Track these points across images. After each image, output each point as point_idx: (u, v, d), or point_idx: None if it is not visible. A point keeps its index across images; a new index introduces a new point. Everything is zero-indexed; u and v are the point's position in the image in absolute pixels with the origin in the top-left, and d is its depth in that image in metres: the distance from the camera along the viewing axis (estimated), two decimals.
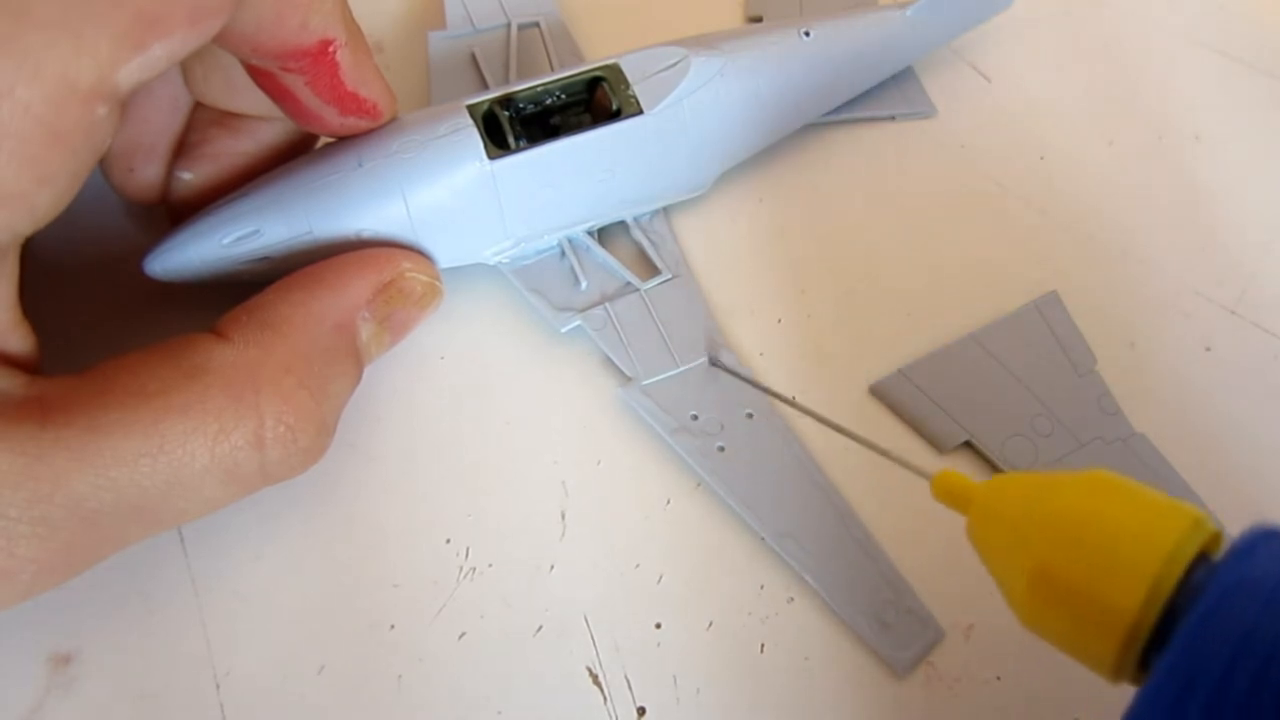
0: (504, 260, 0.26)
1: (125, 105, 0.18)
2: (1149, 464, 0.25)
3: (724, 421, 0.24)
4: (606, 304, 0.26)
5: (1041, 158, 0.31)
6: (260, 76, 0.23)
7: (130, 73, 0.18)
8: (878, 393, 0.26)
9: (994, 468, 0.25)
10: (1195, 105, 0.32)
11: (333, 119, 0.24)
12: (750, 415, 0.25)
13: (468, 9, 0.32)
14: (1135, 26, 0.34)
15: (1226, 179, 0.31)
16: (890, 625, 0.22)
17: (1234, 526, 0.24)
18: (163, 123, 0.24)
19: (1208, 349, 0.27)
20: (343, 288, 0.22)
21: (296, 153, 0.26)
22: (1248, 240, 0.29)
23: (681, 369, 0.25)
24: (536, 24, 0.32)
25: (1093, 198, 0.30)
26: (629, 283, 0.26)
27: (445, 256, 0.25)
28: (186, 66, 0.24)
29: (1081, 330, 0.27)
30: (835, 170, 0.30)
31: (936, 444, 0.25)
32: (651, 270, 0.27)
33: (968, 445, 0.25)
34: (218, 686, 0.21)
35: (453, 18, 0.31)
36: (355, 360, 0.22)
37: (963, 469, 0.25)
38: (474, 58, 0.31)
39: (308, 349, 0.21)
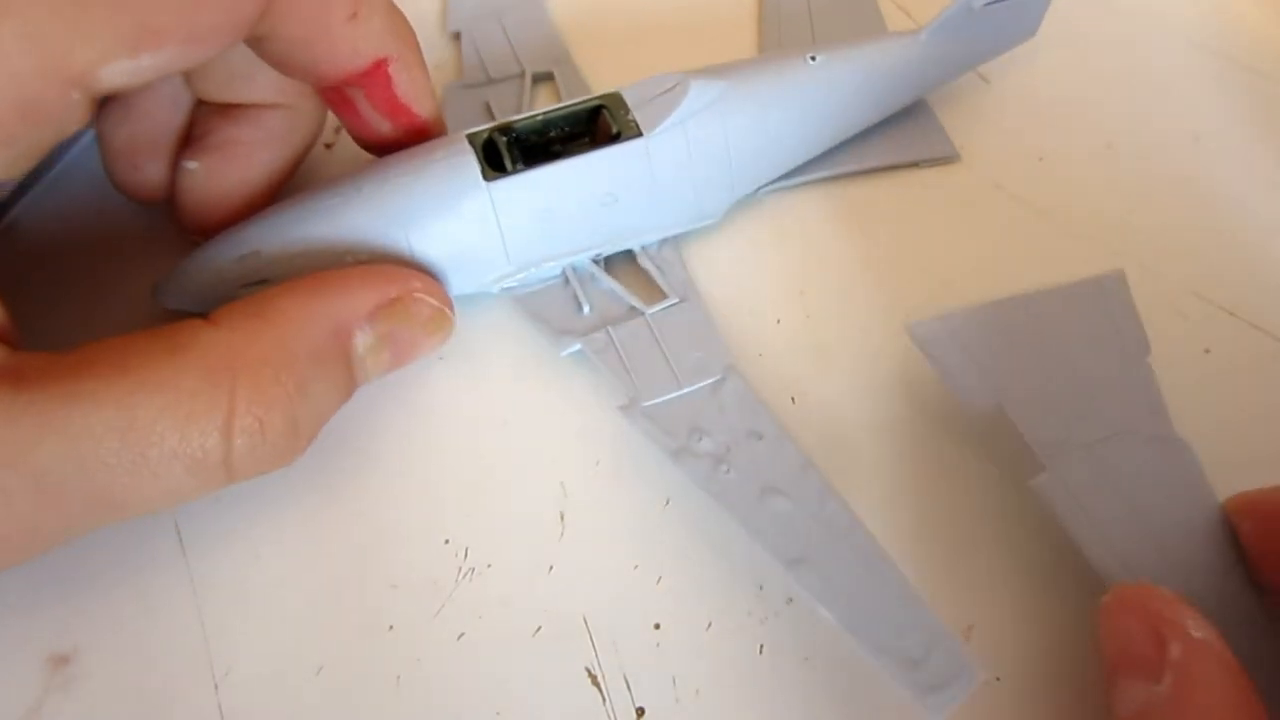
0: (506, 288, 0.26)
1: (96, 103, 0.19)
2: (1182, 472, 0.23)
3: (730, 444, 0.23)
4: (609, 327, 0.25)
5: (1041, 158, 0.31)
6: (326, 93, 0.24)
7: (115, 73, 0.18)
8: (916, 335, 0.24)
9: (1019, 438, 0.23)
10: (1195, 105, 0.32)
11: (387, 133, 0.25)
12: (760, 436, 0.24)
13: (482, 59, 0.32)
14: (1134, 27, 0.34)
15: (1226, 179, 0.31)
16: (919, 663, 0.20)
17: None
18: (165, 119, 0.25)
19: (1207, 350, 0.27)
20: (346, 294, 0.22)
21: (299, 138, 0.26)
22: (1248, 241, 0.29)
23: (685, 390, 0.24)
24: (550, 74, 0.31)
25: (1093, 198, 0.30)
26: (633, 307, 0.26)
27: (447, 284, 0.25)
28: None
29: None
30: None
31: (965, 403, 0.24)
32: (657, 295, 0.26)
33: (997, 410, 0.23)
34: (216, 687, 0.21)
35: (468, 68, 0.31)
36: (346, 371, 0.22)
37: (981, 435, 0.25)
38: (488, 106, 0.30)
39: (295, 345, 0.21)
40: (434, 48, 0.32)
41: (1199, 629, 0.18)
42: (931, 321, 0.24)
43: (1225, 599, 0.21)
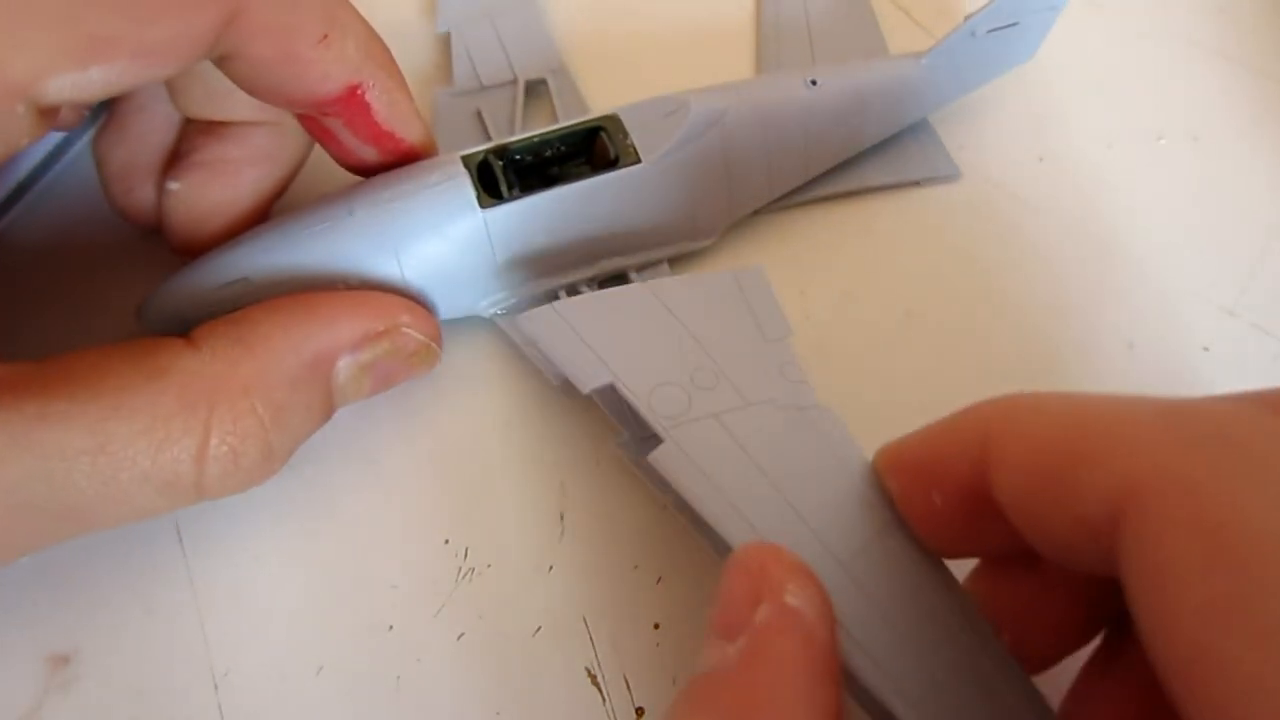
0: (500, 311, 0.26)
1: (45, 117, 0.18)
2: (822, 436, 0.21)
3: None
4: None
5: (1041, 159, 0.31)
6: (304, 121, 0.24)
7: (62, 86, 0.18)
8: (523, 329, 0.23)
9: (633, 413, 0.22)
10: (1195, 105, 0.32)
11: (372, 159, 0.24)
12: None
13: (475, 66, 0.31)
14: (1134, 27, 0.34)
15: (1226, 179, 0.31)
16: None
17: None
18: (160, 140, 0.24)
19: (1206, 349, 0.27)
20: (331, 323, 0.22)
21: (288, 156, 0.25)
22: (1247, 240, 0.29)
23: None
24: (544, 81, 0.31)
25: (1093, 198, 0.30)
26: None
27: (439, 308, 0.25)
28: (167, 82, 0.23)
29: (1080, 330, 0.27)
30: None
31: (576, 383, 0.22)
32: None
33: (611, 390, 0.22)
34: (216, 687, 0.21)
35: (460, 75, 0.31)
36: (325, 398, 0.22)
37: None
38: (479, 115, 0.30)
39: (275, 374, 0.20)
40: (422, 49, 0.32)
41: (799, 596, 0.16)
42: (541, 310, 0.23)
43: (878, 563, 0.19)
